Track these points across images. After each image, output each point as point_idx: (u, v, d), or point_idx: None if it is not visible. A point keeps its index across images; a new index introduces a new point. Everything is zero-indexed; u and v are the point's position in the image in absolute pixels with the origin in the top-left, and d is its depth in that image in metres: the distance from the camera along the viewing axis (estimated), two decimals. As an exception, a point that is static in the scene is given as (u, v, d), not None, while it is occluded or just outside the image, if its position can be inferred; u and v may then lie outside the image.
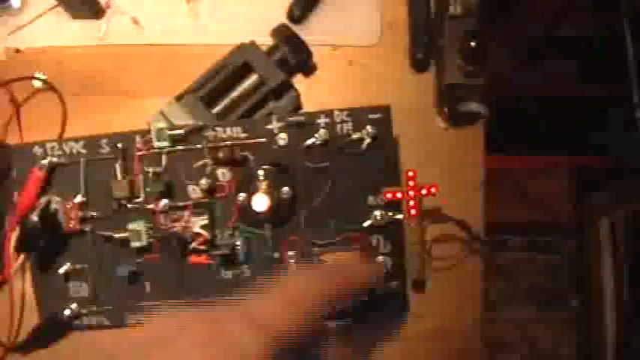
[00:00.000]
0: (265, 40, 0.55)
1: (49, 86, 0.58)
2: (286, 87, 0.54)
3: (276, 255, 0.51)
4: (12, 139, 0.57)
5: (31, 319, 0.55)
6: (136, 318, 0.53)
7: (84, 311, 0.53)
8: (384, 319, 0.55)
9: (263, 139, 0.50)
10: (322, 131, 0.49)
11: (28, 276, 0.55)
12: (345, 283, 0.40)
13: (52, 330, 0.54)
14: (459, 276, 0.54)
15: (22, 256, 0.55)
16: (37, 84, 0.59)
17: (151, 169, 0.51)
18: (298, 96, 0.55)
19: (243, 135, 0.50)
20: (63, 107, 0.58)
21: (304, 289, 0.37)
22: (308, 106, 0.56)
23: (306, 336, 0.36)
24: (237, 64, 0.53)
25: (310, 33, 0.57)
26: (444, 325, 0.55)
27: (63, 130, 0.58)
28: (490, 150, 0.57)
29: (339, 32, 0.58)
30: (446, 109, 0.55)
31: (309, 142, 0.49)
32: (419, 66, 0.57)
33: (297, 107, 0.55)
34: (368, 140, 0.49)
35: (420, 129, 0.56)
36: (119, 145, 0.51)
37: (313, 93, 0.57)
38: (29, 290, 0.55)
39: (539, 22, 0.88)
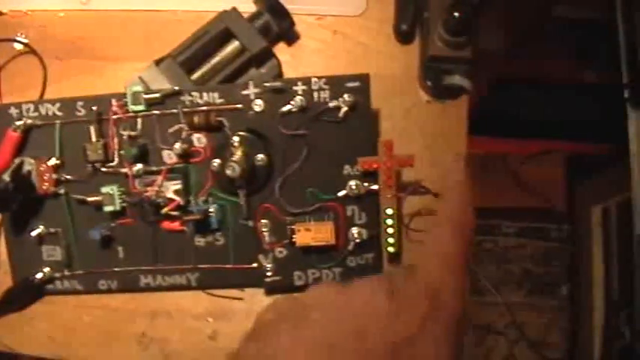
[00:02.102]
0: (249, 8, 0.55)
1: (30, 49, 0.58)
2: (267, 55, 0.54)
3: (250, 223, 0.50)
4: (-9, 102, 0.57)
5: (5, 282, 0.54)
6: (109, 284, 0.53)
7: (57, 275, 0.53)
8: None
9: (239, 105, 0.49)
10: (299, 98, 0.48)
11: (3, 239, 0.54)
12: None
13: (24, 294, 0.54)
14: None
15: (-3, 218, 0.55)
16: (19, 47, 0.58)
17: (126, 133, 0.50)
18: (280, 65, 0.54)
19: (220, 100, 0.49)
20: (44, 71, 0.57)
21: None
22: (290, 76, 0.55)
23: None
24: (218, 30, 0.53)
25: (295, 2, 0.56)
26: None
27: (43, 93, 0.57)
28: (484, 133, 0.57)
29: (325, 2, 0.57)
30: (429, 82, 0.55)
31: (286, 109, 0.49)
32: (403, 38, 0.56)
33: (278, 76, 0.54)
34: (345, 109, 0.48)
35: (403, 101, 0.55)
36: (94, 108, 0.50)
37: (296, 62, 0.57)
38: (3, 253, 0.55)
39: (535, 3, 0.87)
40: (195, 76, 0.53)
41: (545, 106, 1.09)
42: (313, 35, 0.57)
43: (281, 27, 0.54)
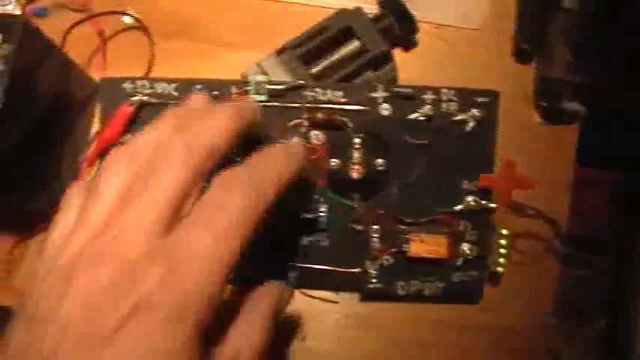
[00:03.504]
0: (370, 8, 0.54)
1: (139, 24, 0.57)
2: (387, 58, 0.53)
3: (360, 227, 0.50)
4: (95, 74, 0.56)
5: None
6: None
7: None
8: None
9: (364, 107, 0.48)
10: (428, 107, 0.48)
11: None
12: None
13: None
14: (535, 275, 0.53)
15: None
16: (128, 20, 0.57)
17: (243, 122, 0.49)
18: (396, 69, 0.53)
19: (343, 100, 0.49)
20: (151, 48, 0.57)
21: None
22: (401, 82, 0.54)
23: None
24: (341, 27, 0.52)
25: (415, 8, 0.55)
26: (508, 322, 0.54)
27: (149, 71, 0.56)
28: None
29: (445, 11, 0.56)
30: (544, 104, 0.54)
31: (413, 116, 0.48)
32: (522, 56, 0.55)
33: (393, 80, 0.54)
34: (472, 123, 0.48)
35: (513, 121, 0.54)
36: (214, 93, 0.49)
37: (408, 69, 0.56)
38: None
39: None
40: (314, 70, 0.52)
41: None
42: (428, 43, 0.56)
43: (405, 31, 0.53)
